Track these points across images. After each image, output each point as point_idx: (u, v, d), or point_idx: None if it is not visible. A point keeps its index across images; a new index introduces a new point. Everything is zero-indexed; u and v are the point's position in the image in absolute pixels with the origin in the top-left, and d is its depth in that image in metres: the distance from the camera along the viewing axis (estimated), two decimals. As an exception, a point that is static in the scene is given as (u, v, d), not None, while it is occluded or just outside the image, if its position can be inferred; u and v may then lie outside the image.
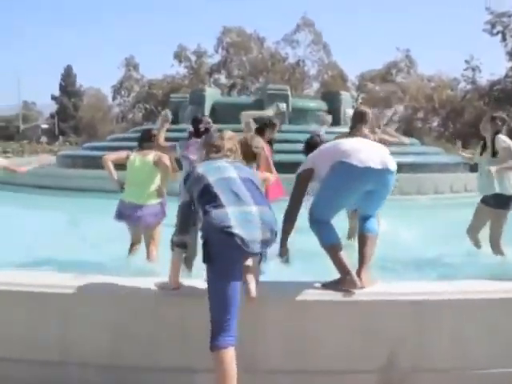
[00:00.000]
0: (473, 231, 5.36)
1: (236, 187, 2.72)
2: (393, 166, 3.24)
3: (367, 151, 3.22)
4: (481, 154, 5.32)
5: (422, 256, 5.19)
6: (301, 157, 11.67)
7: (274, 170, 5.59)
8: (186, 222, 2.83)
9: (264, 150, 4.88)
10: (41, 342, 2.94)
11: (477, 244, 5.37)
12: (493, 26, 40.65)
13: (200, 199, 2.72)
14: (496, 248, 5.15)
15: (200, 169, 2.84)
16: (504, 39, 40.63)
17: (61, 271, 3.55)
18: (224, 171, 2.80)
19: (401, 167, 8.55)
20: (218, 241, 2.58)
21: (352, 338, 2.87)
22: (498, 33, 40.68)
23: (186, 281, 3.01)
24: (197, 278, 3.13)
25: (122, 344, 2.92)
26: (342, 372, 2.88)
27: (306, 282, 3.05)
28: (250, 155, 3.77)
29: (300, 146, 12.20)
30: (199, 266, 2.93)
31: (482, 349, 2.93)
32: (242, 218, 2.61)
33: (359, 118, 6.08)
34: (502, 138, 5.14)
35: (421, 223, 7.07)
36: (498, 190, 5.08)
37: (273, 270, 3.31)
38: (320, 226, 3.16)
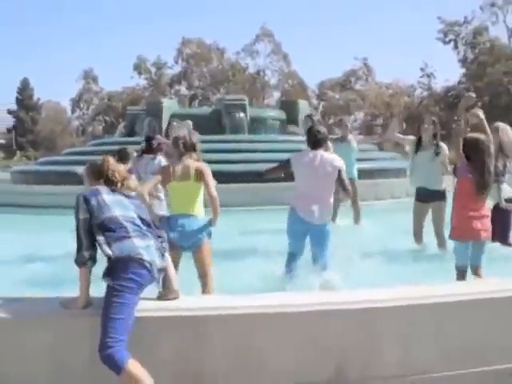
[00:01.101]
0: (419, 232, 5.97)
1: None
2: None
3: None
4: (416, 152, 5.99)
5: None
6: (260, 166, 11.59)
7: None
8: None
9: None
10: None
11: (420, 243, 5.98)
12: (445, 34, 41.94)
13: None
14: (441, 238, 5.70)
15: None
16: (456, 47, 41.99)
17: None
18: None
19: (360, 173, 8.67)
20: None
21: (297, 351, 2.84)
22: (450, 41, 42.00)
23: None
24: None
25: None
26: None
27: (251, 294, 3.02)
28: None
29: (258, 156, 12.17)
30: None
31: (429, 353, 2.95)
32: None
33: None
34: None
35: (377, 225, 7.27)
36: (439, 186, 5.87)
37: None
38: None
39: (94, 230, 2.75)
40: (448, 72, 79.33)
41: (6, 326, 2.74)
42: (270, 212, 8.95)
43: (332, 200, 4.65)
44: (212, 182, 4.02)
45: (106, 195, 2.83)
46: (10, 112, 60.38)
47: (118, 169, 2.98)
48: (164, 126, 15.15)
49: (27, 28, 76.29)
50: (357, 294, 3.03)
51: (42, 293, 3.25)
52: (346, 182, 4.65)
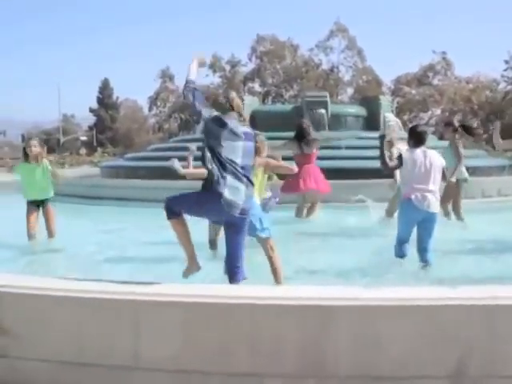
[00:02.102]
0: None
1: None
2: None
3: None
4: None
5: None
6: (342, 162, 11.56)
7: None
8: None
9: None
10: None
11: None
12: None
13: None
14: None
15: None
16: (545, 37, 39.57)
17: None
18: None
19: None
20: None
21: (418, 343, 2.85)
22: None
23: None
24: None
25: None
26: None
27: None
28: None
29: (340, 152, 12.14)
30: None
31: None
32: None
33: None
34: None
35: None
36: None
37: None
38: None
39: None
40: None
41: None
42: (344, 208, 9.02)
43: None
44: None
45: None
46: (91, 110, 63.46)
47: None
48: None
49: (106, 29, 79.73)
50: (481, 289, 3.00)
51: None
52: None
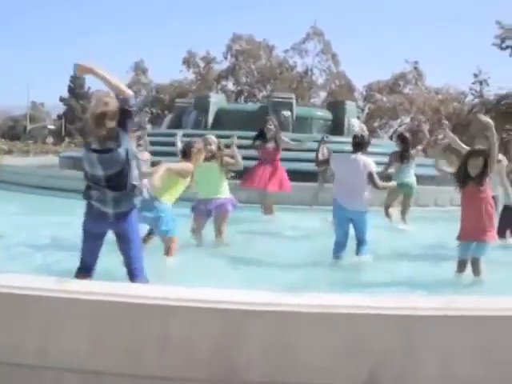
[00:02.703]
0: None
1: None
2: None
3: None
4: None
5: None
6: (304, 165, 11.71)
7: None
8: None
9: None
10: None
11: None
12: (502, 40, 40.55)
13: None
14: None
15: None
16: (513, 54, 40.54)
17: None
18: None
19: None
20: None
21: (333, 353, 2.80)
22: (507, 47, 40.58)
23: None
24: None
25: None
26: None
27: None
28: None
29: (304, 155, 12.24)
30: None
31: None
32: None
33: None
34: None
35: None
36: None
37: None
38: None
39: None
40: (503, 80, 76.72)
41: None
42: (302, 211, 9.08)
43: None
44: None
45: None
46: (61, 99, 62.17)
47: None
48: (211, 120, 15.32)
49: (80, 17, 78.39)
50: (398, 300, 2.97)
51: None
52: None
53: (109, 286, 2.81)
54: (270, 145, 9.18)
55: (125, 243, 3.96)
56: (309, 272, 4.94)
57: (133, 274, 3.91)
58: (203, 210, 6.32)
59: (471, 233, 4.96)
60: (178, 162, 5.74)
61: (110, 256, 4.12)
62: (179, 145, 7.07)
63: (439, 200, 10.97)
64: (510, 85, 41.32)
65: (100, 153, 3.92)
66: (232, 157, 6.66)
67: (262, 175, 8.97)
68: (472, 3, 70.60)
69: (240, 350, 2.79)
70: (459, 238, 5.07)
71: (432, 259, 5.84)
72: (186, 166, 5.50)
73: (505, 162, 7.33)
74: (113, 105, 3.87)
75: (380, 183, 5.97)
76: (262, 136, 9.20)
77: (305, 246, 6.33)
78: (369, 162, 6.01)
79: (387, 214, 8.97)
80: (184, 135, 8.25)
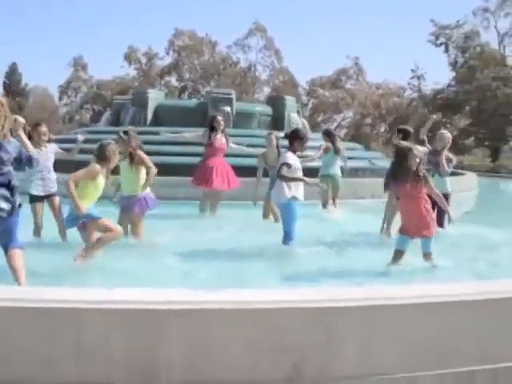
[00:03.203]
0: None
1: None
2: None
3: None
4: None
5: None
6: (246, 160, 11.69)
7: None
8: None
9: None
10: None
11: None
12: (437, 37, 42.08)
13: None
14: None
15: None
16: (447, 50, 42.15)
17: None
18: None
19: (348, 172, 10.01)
20: None
21: (253, 349, 2.80)
22: (441, 44, 42.14)
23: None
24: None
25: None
26: None
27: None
28: None
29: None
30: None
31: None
32: None
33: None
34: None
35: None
36: None
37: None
38: None
39: None
40: (438, 75, 79.85)
41: None
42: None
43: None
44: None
45: None
46: (-6, 97, 59.59)
47: None
48: (149, 116, 15.09)
49: (17, 11, 75.38)
50: (317, 292, 3.00)
51: None
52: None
53: (19, 290, 2.69)
54: (223, 140, 9.08)
55: None
56: (231, 265, 4.93)
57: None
58: (122, 206, 6.40)
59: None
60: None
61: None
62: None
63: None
64: (444, 80, 43.02)
65: None
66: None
67: (218, 173, 8.84)
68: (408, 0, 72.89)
69: (160, 350, 2.74)
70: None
71: (361, 248, 5.97)
72: (89, 169, 5.39)
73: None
74: None
75: (287, 175, 5.99)
76: (212, 131, 9.01)
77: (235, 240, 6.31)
78: (286, 155, 6.18)
79: (324, 207, 9.33)
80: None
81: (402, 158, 5.20)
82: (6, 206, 4.10)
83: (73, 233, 5.69)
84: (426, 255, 5.18)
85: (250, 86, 50.02)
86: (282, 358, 2.84)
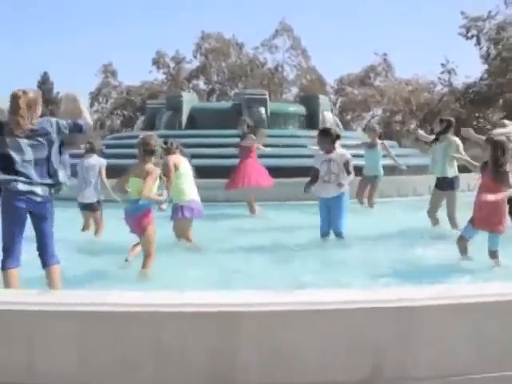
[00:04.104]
0: (432, 212, 7.18)
1: None
2: None
3: None
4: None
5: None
6: (282, 161, 11.71)
7: None
8: None
9: None
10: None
11: (435, 223, 7.20)
12: (468, 30, 41.19)
13: None
14: (452, 221, 6.92)
15: None
16: (478, 43, 41.18)
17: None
18: None
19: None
20: None
21: (333, 349, 2.75)
22: (472, 36, 41.23)
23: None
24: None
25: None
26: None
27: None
28: None
29: (279, 151, 12.21)
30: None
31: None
32: None
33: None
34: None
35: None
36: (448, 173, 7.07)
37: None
38: None
39: None
40: (469, 68, 78.06)
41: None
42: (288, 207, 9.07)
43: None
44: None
45: None
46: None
47: None
48: (184, 119, 15.16)
49: (48, 21, 76.85)
50: (394, 291, 2.94)
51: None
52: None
53: (95, 295, 2.70)
54: (253, 142, 9.26)
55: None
56: (293, 266, 4.90)
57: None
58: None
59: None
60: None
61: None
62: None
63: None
64: (476, 73, 42.10)
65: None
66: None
67: (251, 172, 9.01)
68: (436, -6, 71.58)
69: (237, 353, 2.72)
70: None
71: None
72: (151, 176, 5.20)
73: None
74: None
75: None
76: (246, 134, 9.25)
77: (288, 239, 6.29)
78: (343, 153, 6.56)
79: (361, 202, 9.52)
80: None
81: (497, 149, 5.03)
82: (40, 190, 4.08)
83: (124, 237, 5.66)
84: (493, 253, 5.03)
85: (277, 86, 49.90)
86: (360, 359, 2.79)
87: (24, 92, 4.20)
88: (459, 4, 67.03)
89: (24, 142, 4.07)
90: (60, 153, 4.27)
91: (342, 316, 2.75)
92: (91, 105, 54.78)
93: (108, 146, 12.39)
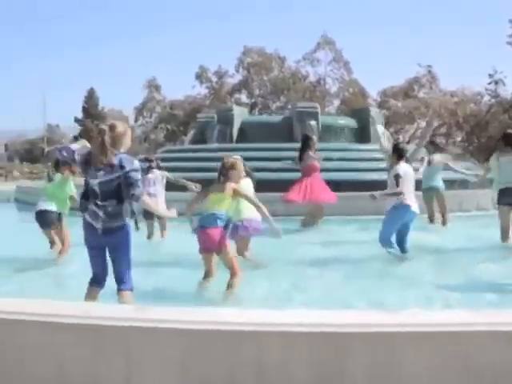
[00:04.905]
0: (505, 234, 7.06)
1: None
2: None
3: None
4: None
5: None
6: (334, 175, 11.57)
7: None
8: None
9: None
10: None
11: None
12: (516, 38, 40.14)
13: None
14: None
15: None
16: (528, 52, 40.09)
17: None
18: None
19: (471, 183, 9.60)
20: None
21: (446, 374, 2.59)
22: (521, 46, 40.14)
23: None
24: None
25: None
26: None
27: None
28: None
29: (332, 164, 12.07)
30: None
31: None
32: None
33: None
34: None
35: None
36: None
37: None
38: None
39: None
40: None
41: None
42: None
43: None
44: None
45: None
46: (76, 120, 62.75)
47: None
48: (235, 133, 15.22)
49: (95, 41, 79.32)
50: (504, 313, 2.76)
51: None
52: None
53: (199, 312, 2.63)
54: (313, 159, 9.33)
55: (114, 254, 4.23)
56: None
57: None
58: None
59: None
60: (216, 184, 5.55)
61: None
62: None
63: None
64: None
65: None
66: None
67: (310, 188, 8.99)
68: (482, 3, 70.15)
69: (341, 377, 2.59)
70: None
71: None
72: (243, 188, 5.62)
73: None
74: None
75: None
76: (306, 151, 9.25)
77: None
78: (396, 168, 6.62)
79: (432, 221, 9.02)
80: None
81: None
82: (95, 223, 4.07)
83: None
84: None
85: (319, 99, 49.71)
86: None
87: (111, 127, 4.17)
88: (507, 13, 65.48)
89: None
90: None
91: (458, 339, 2.59)
92: (136, 119, 55.99)
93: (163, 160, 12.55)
